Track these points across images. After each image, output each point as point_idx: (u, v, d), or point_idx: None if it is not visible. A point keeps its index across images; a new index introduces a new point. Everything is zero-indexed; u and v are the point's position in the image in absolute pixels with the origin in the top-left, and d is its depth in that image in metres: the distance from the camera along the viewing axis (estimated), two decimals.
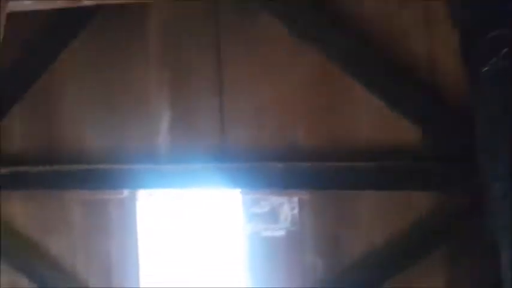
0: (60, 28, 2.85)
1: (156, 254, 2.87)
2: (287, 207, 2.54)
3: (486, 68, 1.39)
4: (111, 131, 2.79)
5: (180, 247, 2.89)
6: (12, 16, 1.84)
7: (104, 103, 2.81)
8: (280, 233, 2.54)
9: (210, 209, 2.85)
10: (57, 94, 2.89)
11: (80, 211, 2.87)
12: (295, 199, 2.52)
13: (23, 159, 2.91)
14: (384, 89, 2.35)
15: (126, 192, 2.76)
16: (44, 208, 2.94)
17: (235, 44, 2.59)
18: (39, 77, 2.88)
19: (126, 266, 2.80)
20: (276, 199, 2.55)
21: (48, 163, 2.84)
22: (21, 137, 2.96)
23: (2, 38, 1.76)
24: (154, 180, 2.67)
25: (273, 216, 2.55)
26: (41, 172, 2.84)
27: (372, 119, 2.41)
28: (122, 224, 2.80)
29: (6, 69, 2.77)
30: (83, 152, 2.83)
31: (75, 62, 2.84)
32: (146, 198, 2.86)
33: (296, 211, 2.53)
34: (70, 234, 2.89)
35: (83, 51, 2.81)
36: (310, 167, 2.42)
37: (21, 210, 2.97)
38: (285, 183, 2.48)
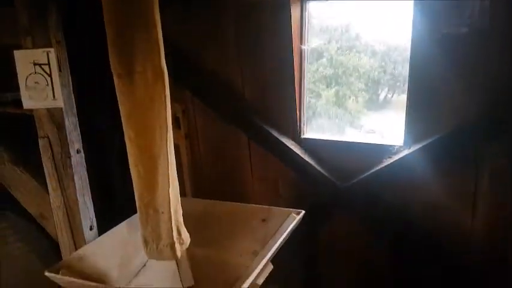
0: None
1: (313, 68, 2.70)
2: None
3: None
4: None
5: (345, 55, 2.64)
6: None
7: None
8: (464, 29, 2.10)
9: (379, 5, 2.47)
10: None
11: (233, 24, 2.77)
12: None
13: None
14: None
15: None
16: (201, 23, 2.90)
17: None
18: None
19: (282, 81, 2.71)
20: None
21: None
22: None
23: None
24: None
25: (456, 9, 2.10)
26: None
27: None
28: (275, 33, 2.63)
29: None
30: None
31: None
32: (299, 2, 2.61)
33: (487, 2, 2.03)
34: (224, 47, 2.85)
35: None
36: None
37: (179, 25, 2.99)
38: None
